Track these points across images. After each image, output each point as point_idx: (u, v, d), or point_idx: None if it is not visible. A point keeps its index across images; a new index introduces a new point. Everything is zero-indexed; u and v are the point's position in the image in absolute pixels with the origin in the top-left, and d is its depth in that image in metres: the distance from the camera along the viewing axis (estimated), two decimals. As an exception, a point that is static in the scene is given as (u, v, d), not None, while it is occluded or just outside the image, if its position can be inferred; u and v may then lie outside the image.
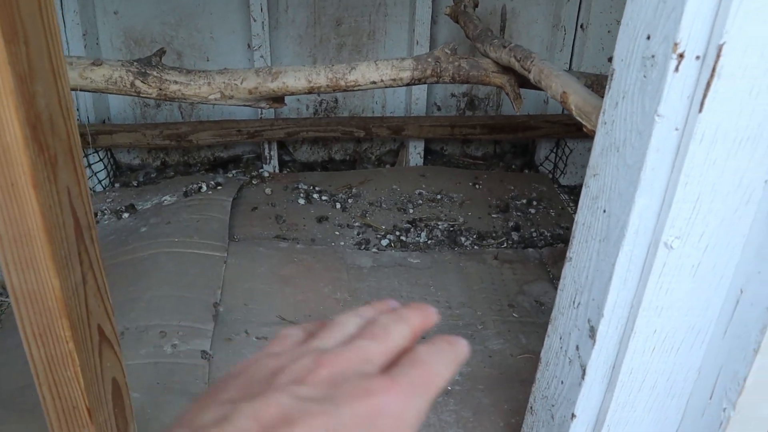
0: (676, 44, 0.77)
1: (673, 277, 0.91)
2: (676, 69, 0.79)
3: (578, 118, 1.23)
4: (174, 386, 1.51)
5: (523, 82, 1.76)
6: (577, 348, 1.07)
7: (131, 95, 1.69)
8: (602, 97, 1.32)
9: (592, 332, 1.02)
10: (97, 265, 1.00)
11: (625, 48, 0.90)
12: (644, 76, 0.85)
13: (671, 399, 1.03)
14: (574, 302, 1.09)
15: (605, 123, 0.97)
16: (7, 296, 2.01)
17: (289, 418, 0.30)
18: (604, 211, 0.97)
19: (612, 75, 0.95)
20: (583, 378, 1.05)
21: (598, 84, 1.82)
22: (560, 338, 1.15)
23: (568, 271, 1.11)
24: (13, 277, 0.87)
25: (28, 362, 1.69)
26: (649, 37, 0.84)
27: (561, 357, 1.14)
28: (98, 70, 1.64)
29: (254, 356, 0.36)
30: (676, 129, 0.83)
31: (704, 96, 0.78)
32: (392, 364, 0.35)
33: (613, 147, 0.95)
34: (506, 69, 1.71)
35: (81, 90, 1.67)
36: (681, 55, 0.78)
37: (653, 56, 0.83)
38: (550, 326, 1.20)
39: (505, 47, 1.61)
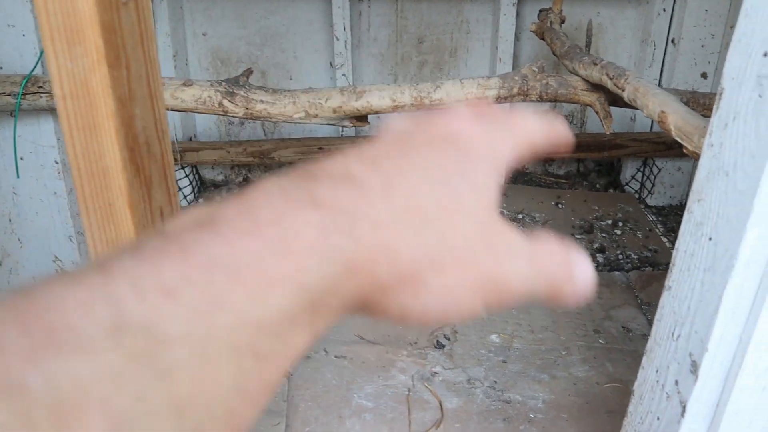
0: (797, 62, 0.72)
1: (789, 312, 0.84)
2: (797, 89, 0.73)
3: (678, 139, 1.17)
4: (255, 403, 1.51)
5: (612, 100, 1.70)
6: (677, 383, 1.01)
7: (219, 114, 1.72)
8: (702, 115, 1.26)
9: (695, 367, 0.95)
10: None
11: (736, 66, 0.85)
12: (759, 96, 0.80)
13: (784, 443, 0.95)
14: (673, 334, 1.02)
15: (712, 145, 0.92)
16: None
17: (348, 152, 0.27)
18: (710, 239, 0.91)
19: (721, 94, 0.90)
20: (682, 415, 0.99)
21: (694, 101, 1.74)
22: (657, 371, 1.08)
23: (667, 301, 1.05)
24: (108, 294, 0.88)
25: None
26: (766, 54, 0.78)
27: (657, 391, 1.08)
28: (188, 91, 1.69)
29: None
30: (795, 153, 0.77)
31: (829, 118, 0.72)
32: None
33: (721, 171, 0.89)
34: (596, 87, 1.66)
35: (172, 110, 1.71)
36: (802, 74, 0.72)
37: (769, 75, 0.77)
38: (645, 358, 1.14)
39: (596, 65, 1.56)
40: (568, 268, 0.29)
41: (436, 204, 0.26)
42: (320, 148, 2.64)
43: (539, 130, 0.32)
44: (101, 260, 0.20)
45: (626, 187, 2.92)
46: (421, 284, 0.25)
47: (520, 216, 2.57)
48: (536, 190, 2.82)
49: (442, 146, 0.28)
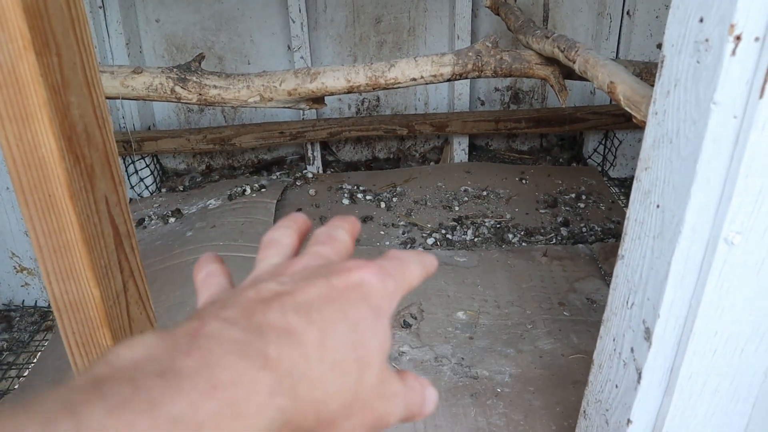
0: (732, 26, 0.72)
1: (735, 274, 0.85)
2: (733, 53, 0.74)
3: (627, 109, 1.17)
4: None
5: (569, 73, 1.70)
6: (632, 350, 1.02)
7: (172, 101, 1.69)
8: (652, 85, 1.27)
9: (648, 334, 0.97)
10: (139, 272, 0.99)
11: (675, 33, 0.85)
12: (698, 62, 0.80)
13: (735, 404, 0.97)
14: (627, 302, 1.03)
15: (656, 113, 0.92)
16: (60, 303, 2.04)
17: (284, 293, 0.30)
18: (658, 206, 0.92)
19: (662, 62, 0.90)
20: (638, 382, 1.00)
21: (647, 72, 1.75)
22: (614, 340, 1.10)
23: (621, 270, 1.06)
24: (54, 288, 0.87)
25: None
26: (702, 20, 0.78)
27: (615, 360, 1.09)
28: (139, 78, 1.65)
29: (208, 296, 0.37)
30: (735, 117, 0.77)
31: (765, 80, 0.72)
32: None
33: (665, 138, 0.90)
34: (550, 60, 1.66)
35: (123, 98, 1.68)
36: (738, 38, 0.73)
37: (707, 40, 0.78)
38: (602, 327, 1.15)
39: (548, 38, 1.56)
40: (424, 399, 0.36)
41: (354, 358, 0.30)
42: (281, 133, 2.61)
43: (419, 274, 0.37)
44: (68, 395, 0.22)
45: (589, 160, 2.94)
46: (333, 428, 0.30)
47: (485, 193, 2.57)
48: (500, 166, 2.83)
49: (356, 298, 0.32)
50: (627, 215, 1.03)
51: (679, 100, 0.85)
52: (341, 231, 0.39)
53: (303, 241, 0.40)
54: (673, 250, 0.88)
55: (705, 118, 0.79)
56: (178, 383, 0.24)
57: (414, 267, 0.37)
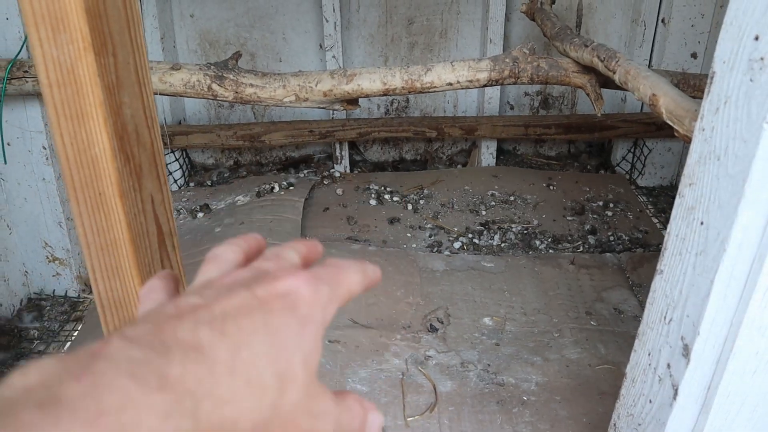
0: (790, 47, 0.72)
1: (780, 295, 0.84)
2: (789, 73, 0.73)
3: (669, 122, 1.17)
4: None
5: (604, 82, 1.69)
6: (669, 366, 1.02)
7: (208, 98, 1.71)
8: (691, 97, 1.26)
9: (686, 350, 0.96)
10: (179, 271, 1.00)
11: (728, 49, 0.84)
12: (751, 80, 0.79)
13: (774, 425, 0.96)
14: (665, 318, 1.03)
15: (703, 129, 0.91)
16: (90, 293, 2.07)
17: (201, 306, 0.29)
18: (702, 223, 0.92)
19: (712, 78, 0.89)
20: (674, 398, 0.99)
21: (685, 83, 1.74)
22: (649, 354, 1.09)
23: (659, 285, 1.05)
24: (99, 285, 0.88)
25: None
26: (757, 38, 0.78)
27: (650, 374, 1.08)
28: (177, 75, 1.67)
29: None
30: (787, 137, 0.77)
31: (822, 103, 0.71)
32: None
33: (712, 155, 0.89)
34: (587, 69, 1.65)
35: (160, 94, 1.70)
36: (796, 59, 0.72)
37: (762, 58, 0.77)
38: (637, 341, 1.14)
39: (587, 46, 1.55)
40: (364, 424, 0.35)
41: (274, 372, 0.29)
42: (311, 131, 2.62)
43: (359, 281, 0.36)
44: None
45: (617, 168, 2.92)
46: None
47: (512, 198, 2.57)
48: (528, 171, 2.82)
49: (280, 308, 0.31)
50: (668, 230, 1.03)
51: (728, 117, 0.84)
52: (291, 251, 0.37)
53: (251, 260, 0.38)
54: (716, 267, 0.87)
55: (756, 137, 0.78)
56: (57, 414, 0.22)
57: (352, 274, 0.36)
